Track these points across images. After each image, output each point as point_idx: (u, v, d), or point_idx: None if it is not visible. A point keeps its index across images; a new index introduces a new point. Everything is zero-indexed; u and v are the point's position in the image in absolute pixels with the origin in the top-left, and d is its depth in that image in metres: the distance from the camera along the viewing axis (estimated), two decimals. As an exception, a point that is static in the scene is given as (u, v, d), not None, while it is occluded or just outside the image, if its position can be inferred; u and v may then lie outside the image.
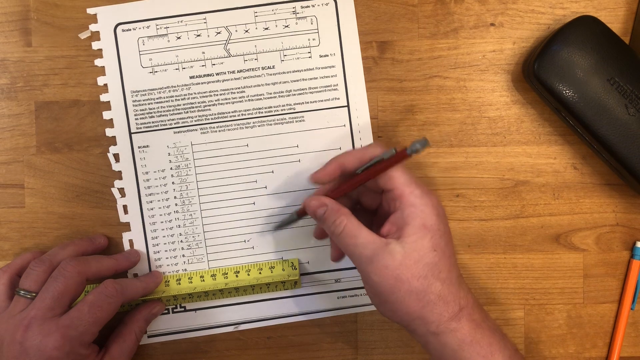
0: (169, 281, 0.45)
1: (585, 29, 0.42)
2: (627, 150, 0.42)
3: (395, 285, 0.34)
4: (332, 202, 0.37)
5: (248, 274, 0.45)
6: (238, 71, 0.45)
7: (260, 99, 0.45)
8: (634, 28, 0.45)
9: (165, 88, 0.45)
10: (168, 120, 0.45)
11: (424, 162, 0.45)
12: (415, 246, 0.34)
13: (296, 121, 0.45)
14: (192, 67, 0.45)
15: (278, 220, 0.44)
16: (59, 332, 0.36)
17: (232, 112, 0.45)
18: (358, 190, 0.40)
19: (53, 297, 0.37)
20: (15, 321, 0.37)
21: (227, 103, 0.45)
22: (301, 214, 0.40)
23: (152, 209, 0.45)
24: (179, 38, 0.45)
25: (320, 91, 0.45)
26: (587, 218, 0.46)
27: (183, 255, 0.45)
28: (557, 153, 0.46)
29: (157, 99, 0.45)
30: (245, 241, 0.45)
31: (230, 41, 0.45)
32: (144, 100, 0.45)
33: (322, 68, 0.45)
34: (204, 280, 0.45)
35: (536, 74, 0.42)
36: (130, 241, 0.45)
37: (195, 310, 0.45)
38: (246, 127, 0.45)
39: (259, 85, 0.45)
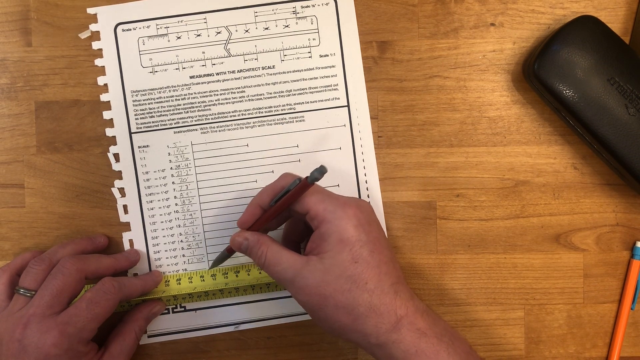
0: (169, 281, 0.45)
1: (585, 29, 0.42)
2: (627, 150, 0.42)
3: (321, 302, 0.34)
4: (252, 235, 0.37)
5: (248, 274, 0.45)
6: (238, 71, 0.45)
7: (261, 98, 0.45)
8: (634, 28, 0.45)
9: (165, 88, 0.45)
10: (168, 120, 0.45)
11: (424, 162, 0.45)
12: (335, 261, 0.34)
13: (296, 121, 0.45)
14: (192, 67, 0.45)
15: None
16: (57, 329, 0.36)
17: (232, 112, 0.45)
18: (297, 220, 0.41)
19: (52, 294, 0.37)
20: (14, 319, 0.37)
21: (227, 103, 0.45)
22: (230, 250, 0.41)
23: (152, 209, 0.45)
24: (179, 38, 0.45)
25: (320, 91, 0.45)
26: (587, 218, 0.46)
27: (183, 255, 0.45)
28: (557, 153, 0.46)
29: (157, 98, 0.45)
30: (245, 241, 0.45)
31: (230, 41, 0.45)
32: (144, 100, 0.45)
33: (322, 68, 0.45)
34: (204, 280, 0.45)
35: (536, 74, 0.42)
36: (130, 241, 0.45)
37: (195, 310, 0.45)
38: (246, 127, 0.45)
39: (259, 85, 0.45)
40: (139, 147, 0.45)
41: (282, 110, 0.45)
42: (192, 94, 0.45)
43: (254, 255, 0.37)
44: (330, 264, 0.34)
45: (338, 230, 0.34)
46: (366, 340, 0.34)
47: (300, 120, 0.45)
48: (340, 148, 0.45)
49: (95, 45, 0.45)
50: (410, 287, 0.42)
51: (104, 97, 0.45)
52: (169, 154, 0.45)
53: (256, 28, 0.45)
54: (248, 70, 0.45)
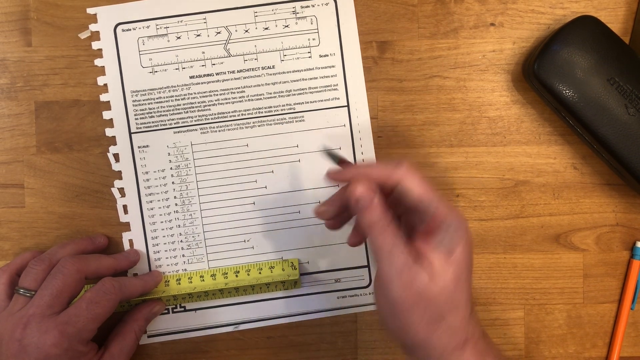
0: (169, 281, 0.45)
1: (585, 29, 0.42)
2: (627, 150, 0.42)
3: (416, 303, 0.33)
4: (379, 200, 0.33)
5: (248, 274, 0.45)
6: (238, 71, 0.45)
7: (260, 98, 0.45)
8: (634, 28, 0.45)
9: (165, 88, 0.45)
10: (168, 120, 0.45)
11: (424, 162, 0.45)
12: (448, 272, 0.33)
13: (296, 121, 0.45)
14: (192, 67, 0.45)
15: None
16: (57, 329, 0.36)
17: (232, 112, 0.45)
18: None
19: (52, 294, 0.37)
20: (14, 319, 0.37)
21: (227, 103, 0.45)
22: (339, 163, 0.37)
23: (152, 209, 0.45)
24: (179, 38, 0.45)
25: (320, 91, 0.45)
26: (587, 218, 0.46)
27: (183, 255, 0.45)
28: (557, 153, 0.46)
29: (157, 98, 0.45)
30: (245, 241, 0.45)
31: (230, 41, 0.45)
32: (144, 100, 0.45)
33: (322, 68, 0.45)
34: (204, 280, 0.45)
35: (536, 74, 0.42)
36: (130, 241, 0.45)
37: (195, 310, 0.45)
38: (246, 127, 0.45)
39: (259, 85, 0.45)
40: (139, 147, 0.45)
41: (282, 110, 0.45)
42: (192, 94, 0.45)
43: (372, 220, 0.33)
44: (441, 273, 0.32)
45: (460, 248, 0.33)
46: (428, 354, 0.33)
47: (300, 120, 0.45)
48: (340, 148, 0.45)
49: (95, 45, 0.45)
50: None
51: (103, 97, 0.45)
52: (169, 154, 0.45)
53: (256, 28, 0.45)
54: (248, 70, 0.45)
